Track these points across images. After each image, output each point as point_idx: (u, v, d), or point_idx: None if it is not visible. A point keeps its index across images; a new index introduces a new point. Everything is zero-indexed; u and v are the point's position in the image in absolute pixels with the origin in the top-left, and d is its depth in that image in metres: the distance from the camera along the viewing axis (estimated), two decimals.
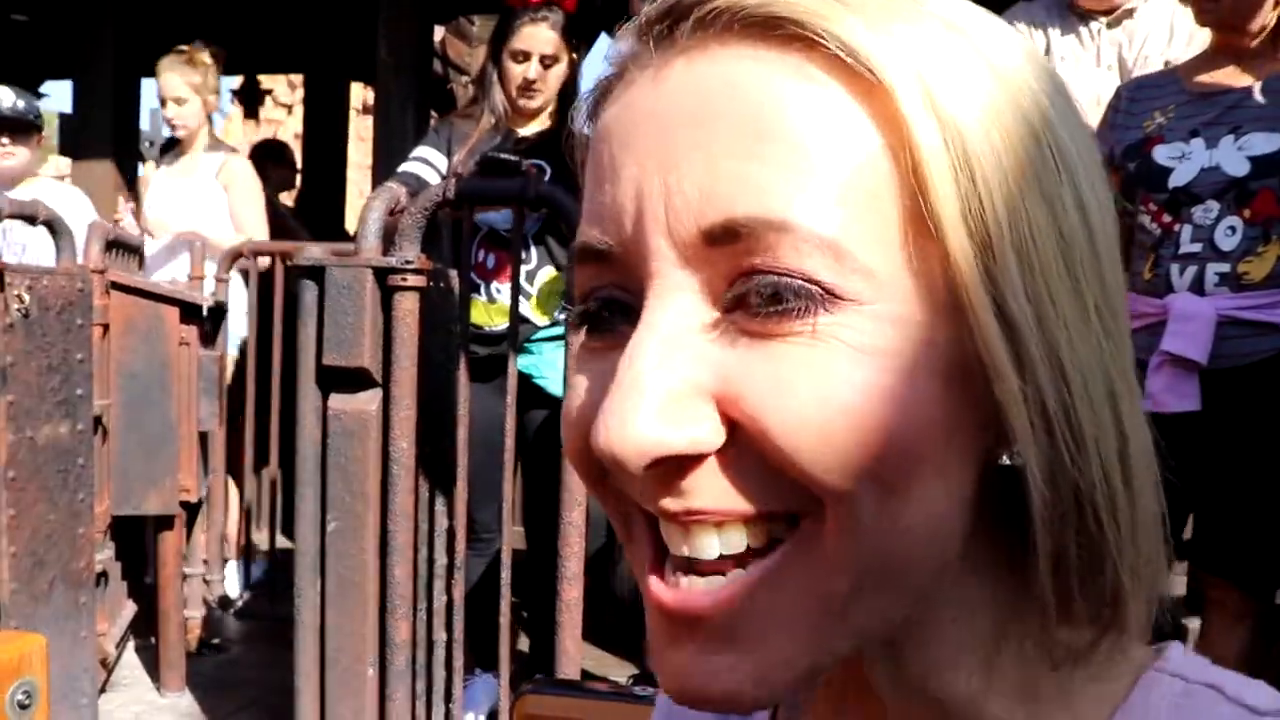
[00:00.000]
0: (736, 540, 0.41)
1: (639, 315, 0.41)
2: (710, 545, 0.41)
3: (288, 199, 6.37)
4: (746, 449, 0.39)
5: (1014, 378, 0.39)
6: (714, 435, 0.39)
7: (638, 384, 0.39)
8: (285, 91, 19.36)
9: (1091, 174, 0.43)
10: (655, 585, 0.42)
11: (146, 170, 4.26)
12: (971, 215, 0.39)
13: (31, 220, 2.66)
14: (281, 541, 3.65)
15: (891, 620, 0.43)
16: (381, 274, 2.14)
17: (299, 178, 6.73)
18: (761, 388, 0.39)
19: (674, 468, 0.40)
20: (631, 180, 0.41)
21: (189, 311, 2.96)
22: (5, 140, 3.60)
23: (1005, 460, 0.43)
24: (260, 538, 3.83)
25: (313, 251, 2.24)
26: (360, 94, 13.20)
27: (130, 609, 3.17)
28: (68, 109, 6.01)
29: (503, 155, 2.69)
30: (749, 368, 0.39)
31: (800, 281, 0.39)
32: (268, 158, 6.04)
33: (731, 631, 0.41)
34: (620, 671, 3.06)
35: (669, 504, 0.41)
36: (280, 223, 5.36)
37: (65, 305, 2.60)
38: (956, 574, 0.44)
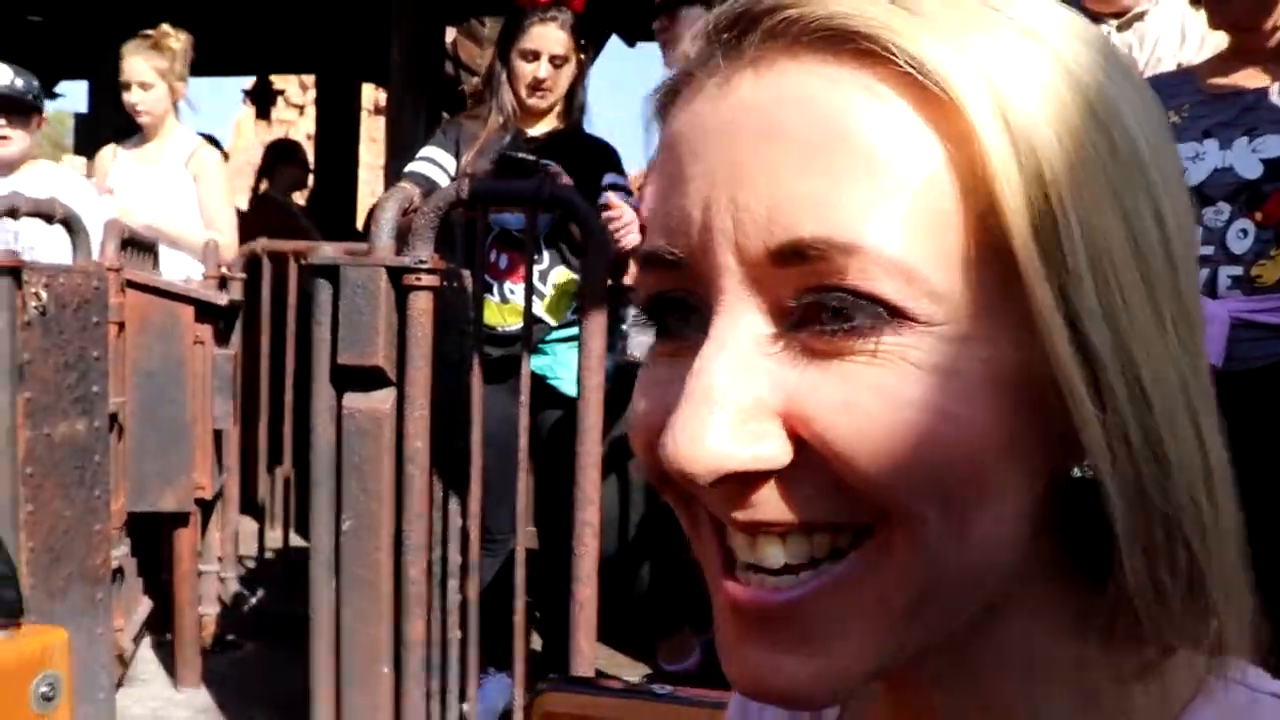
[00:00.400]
0: (801, 550, 0.42)
1: (705, 320, 0.42)
2: (775, 554, 0.42)
3: (300, 198, 6.40)
4: (813, 465, 0.40)
5: (1091, 404, 0.39)
6: (781, 453, 0.40)
7: (707, 400, 0.40)
8: (297, 92, 19.41)
9: (1170, 181, 0.42)
10: (728, 584, 0.43)
11: (102, 156, 3.96)
12: (1045, 233, 0.39)
13: (49, 219, 2.68)
14: (295, 540, 3.66)
15: (954, 626, 0.43)
16: (395, 273, 2.16)
17: (311, 177, 6.75)
18: (828, 407, 0.39)
19: (741, 481, 0.41)
20: (699, 192, 0.42)
21: (204, 310, 2.98)
22: (2, 121, 3.42)
23: (1077, 473, 0.43)
24: (274, 536, 3.85)
25: (327, 251, 2.25)
26: (371, 95, 13.23)
27: (146, 605, 3.19)
28: (82, 109, 6.03)
29: (520, 154, 2.71)
30: (814, 386, 0.40)
31: (868, 302, 0.39)
32: (280, 157, 6.08)
33: (800, 631, 0.42)
34: (633, 672, 3.07)
35: (736, 515, 0.42)
36: (292, 222, 5.40)
37: (82, 303, 2.62)
38: (1021, 579, 0.44)
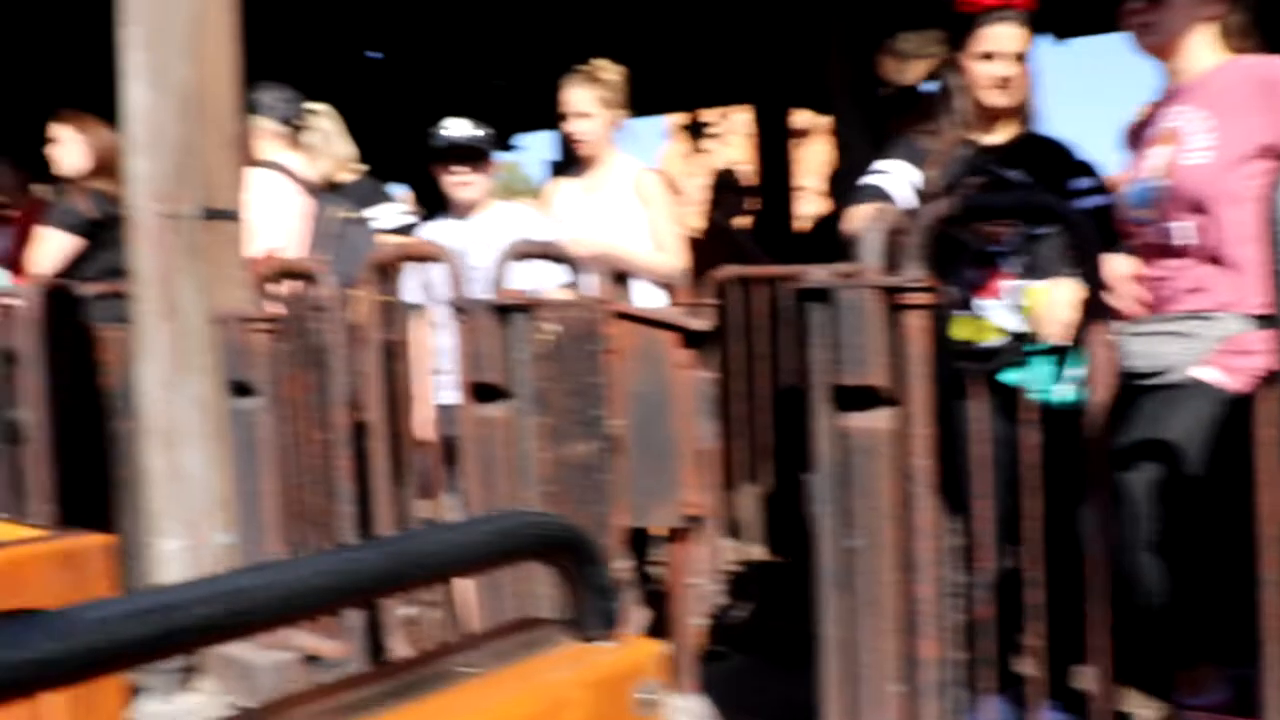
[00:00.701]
0: None
1: None
2: None
3: (739, 224, 6.62)
4: None
5: None
6: None
7: None
8: (717, 122, 20.08)
9: None
10: None
11: (548, 191, 4.16)
12: None
13: (556, 259, 2.94)
14: (770, 555, 3.78)
15: None
16: (887, 293, 2.16)
17: (752, 203, 6.97)
18: None
19: None
20: None
21: (684, 336, 3.13)
22: (463, 169, 3.68)
23: None
24: (750, 553, 3.98)
25: (818, 274, 2.30)
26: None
27: (643, 615, 3.40)
28: (527, 157, 6.63)
29: (1001, 170, 2.65)
30: None
31: None
32: (724, 187, 6.32)
33: None
34: (1142, 705, 2.87)
35: None
36: (739, 247, 5.59)
37: (583, 334, 2.85)
38: None
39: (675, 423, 3.13)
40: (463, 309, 2.73)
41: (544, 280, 3.36)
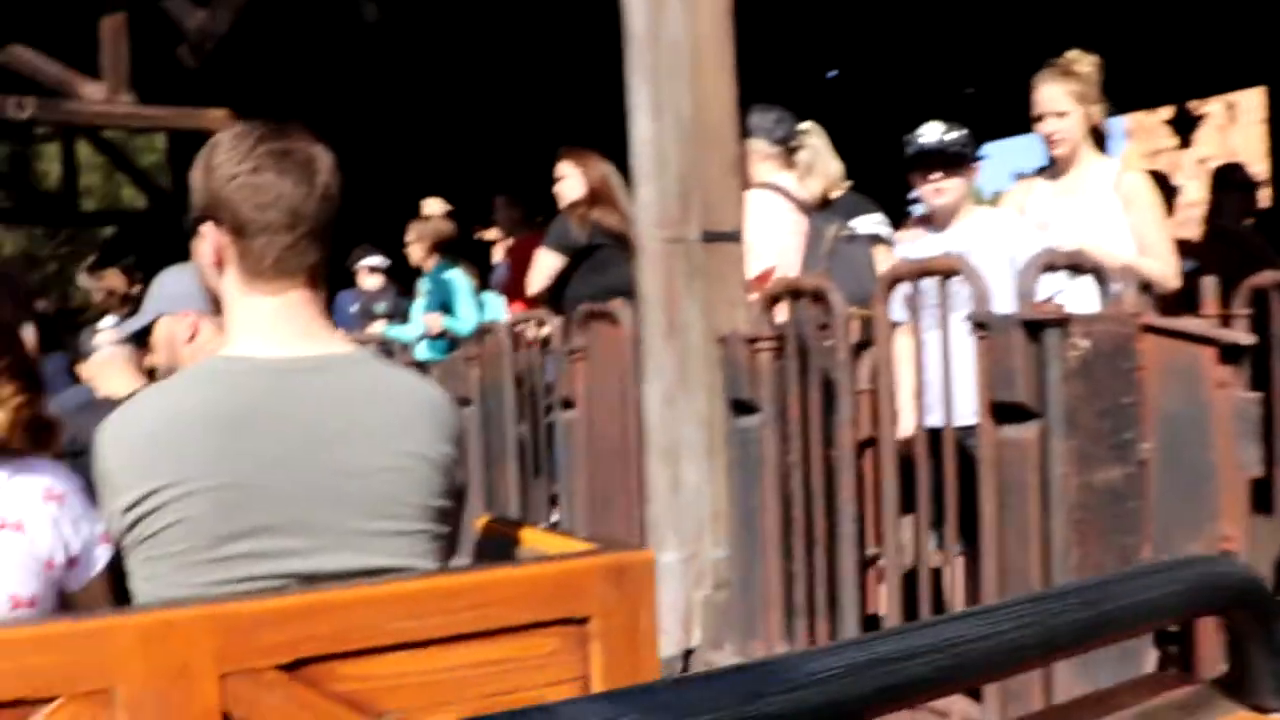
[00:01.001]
0: None
1: None
2: None
3: (1247, 225, 5.97)
4: None
5: None
6: None
7: None
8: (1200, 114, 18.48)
9: None
10: None
11: (1014, 192, 3.92)
12: None
13: (1079, 270, 2.75)
14: None
15: None
16: None
17: (1261, 200, 6.28)
18: None
19: None
20: None
21: (1226, 352, 2.83)
22: (939, 175, 3.51)
23: None
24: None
25: None
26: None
27: (1152, 656, 3.11)
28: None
29: None
30: None
31: None
32: (1225, 184, 5.74)
33: None
34: None
35: None
36: (1251, 250, 5.05)
37: (1113, 349, 2.64)
38: None
39: (1213, 446, 2.83)
40: (984, 324, 2.61)
41: (1053, 291, 3.16)
